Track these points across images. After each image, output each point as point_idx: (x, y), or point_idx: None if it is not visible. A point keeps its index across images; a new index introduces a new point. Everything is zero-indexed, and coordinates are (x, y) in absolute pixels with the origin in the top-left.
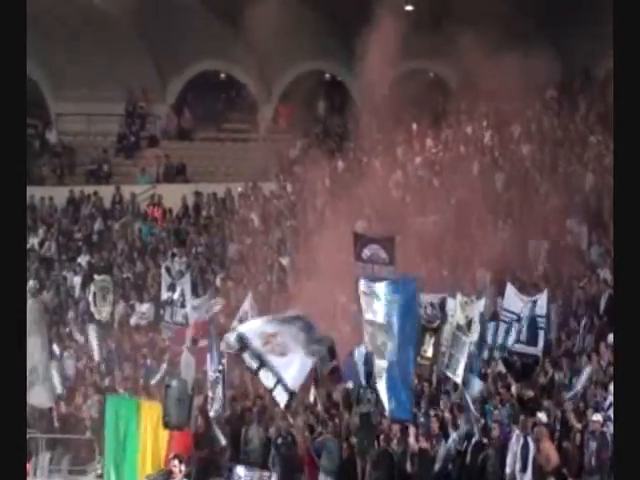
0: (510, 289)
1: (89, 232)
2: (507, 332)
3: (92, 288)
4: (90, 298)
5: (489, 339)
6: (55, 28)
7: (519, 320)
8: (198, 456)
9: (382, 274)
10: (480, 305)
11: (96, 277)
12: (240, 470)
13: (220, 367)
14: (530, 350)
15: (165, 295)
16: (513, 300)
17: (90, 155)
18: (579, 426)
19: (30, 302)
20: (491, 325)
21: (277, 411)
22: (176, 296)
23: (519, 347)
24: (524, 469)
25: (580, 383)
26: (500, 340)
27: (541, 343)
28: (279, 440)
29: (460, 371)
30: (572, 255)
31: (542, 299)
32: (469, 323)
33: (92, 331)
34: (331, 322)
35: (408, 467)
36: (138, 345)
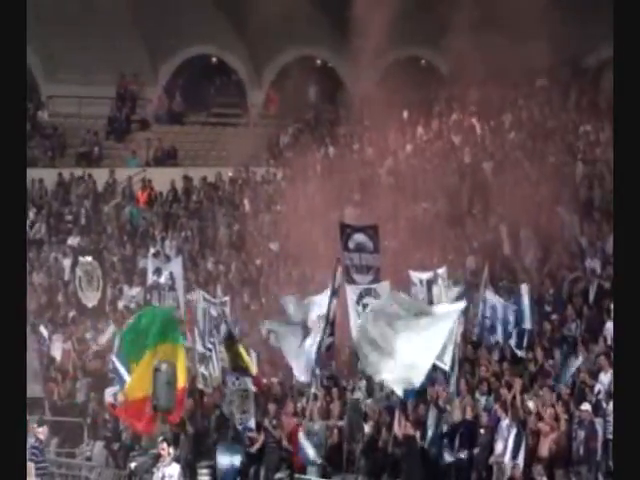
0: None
1: (79, 215)
2: (498, 321)
3: (77, 272)
4: (76, 282)
5: (477, 328)
6: (47, 11)
7: (505, 310)
8: (187, 440)
9: (369, 262)
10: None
11: (81, 259)
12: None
13: (210, 345)
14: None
15: (151, 279)
16: (498, 291)
17: (81, 138)
18: (566, 416)
19: None
20: (478, 313)
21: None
22: (163, 280)
23: (506, 337)
24: (515, 457)
25: (569, 373)
26: (487, 330)
27: (526, 335)
28: (266, 423)
29: (448, 358)
30: (562, 244)
31: (524, 291)
32: None
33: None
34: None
35: (396, 454)
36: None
